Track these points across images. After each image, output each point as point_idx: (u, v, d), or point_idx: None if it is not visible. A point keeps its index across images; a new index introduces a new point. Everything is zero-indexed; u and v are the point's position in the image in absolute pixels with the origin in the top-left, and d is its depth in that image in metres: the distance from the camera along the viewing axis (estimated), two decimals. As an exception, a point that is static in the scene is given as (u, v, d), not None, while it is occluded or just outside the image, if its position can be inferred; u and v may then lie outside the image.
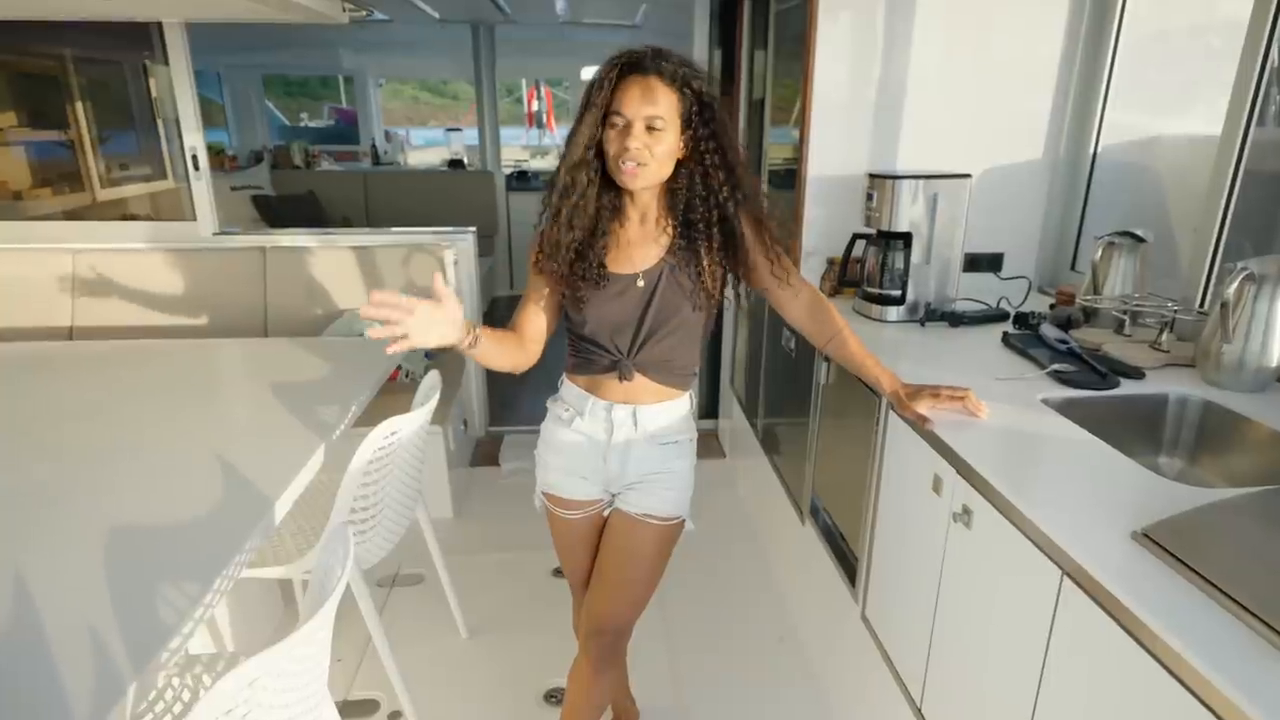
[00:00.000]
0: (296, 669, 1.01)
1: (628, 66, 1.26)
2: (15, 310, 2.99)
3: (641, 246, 1.38)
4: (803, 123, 2.31)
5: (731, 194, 1.32)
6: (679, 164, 1.32)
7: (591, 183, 1.31)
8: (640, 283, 1.36)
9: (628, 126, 1.25)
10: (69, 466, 1.50)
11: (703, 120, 1.29)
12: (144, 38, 2.99)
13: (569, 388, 1.49)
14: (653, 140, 1.26)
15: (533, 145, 9.10)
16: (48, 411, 1.81)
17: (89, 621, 1.02)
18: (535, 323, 1.43)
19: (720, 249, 1.34)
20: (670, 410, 1.46)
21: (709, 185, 1.31)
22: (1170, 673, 0.81)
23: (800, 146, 2.34)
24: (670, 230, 1.36)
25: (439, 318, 1.20)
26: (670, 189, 1.34)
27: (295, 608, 2.32)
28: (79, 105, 3.39)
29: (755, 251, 1.39)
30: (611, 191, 1.35)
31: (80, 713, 0.87)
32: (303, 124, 7.98)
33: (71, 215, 3.39)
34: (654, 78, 1.25)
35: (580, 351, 1.44)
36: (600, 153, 1.30)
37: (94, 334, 2.99)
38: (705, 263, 1.34)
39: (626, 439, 1.44)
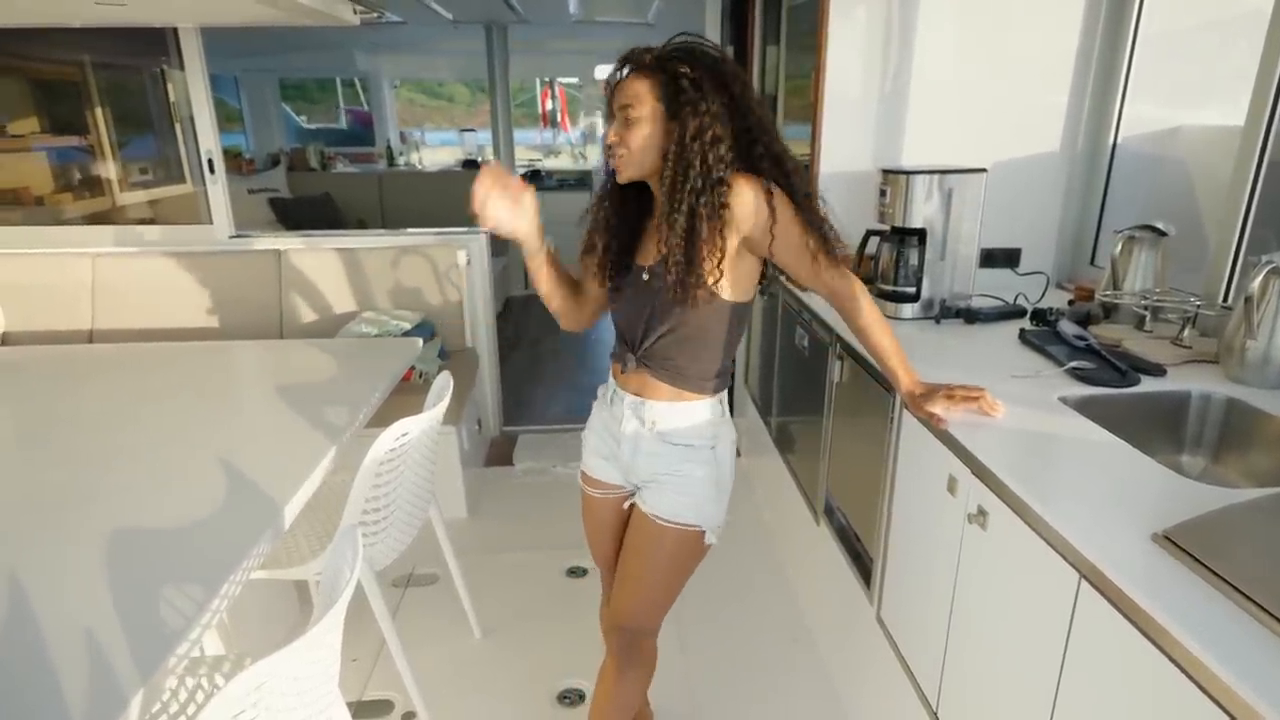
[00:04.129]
0: (306, 671, 1.01)
1: (621, 61, 1.30)
2: (37, 314, 3.04)
3: (652, 240, 1.37)
4: (814, 118, 2.28)
5: (702, 167, 1.23)
6: (681, 149, 1.25)
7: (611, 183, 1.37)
8: (645, 276, 1.37)
9: (611, 119, 1.30)
10: (86, 469, 1.52)
11: (689, 98, 1.23)
12: (161, 43, 3.02)
13: (611, 373, 1.53)
14: (628, 131, 1.27)
15: (545, 145, 9.13)
16: (68, 414, 1.83)
17: (98, 625, 1.03)
18: (592, 288, 1.50)
19: (691, 234, 1.25)
20: (684, 412, 1.42)
21: (667, 169, 1.26)
22: (1191, 678, 0.79)
23: (812, 142, 2.32)
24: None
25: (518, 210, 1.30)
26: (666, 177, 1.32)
27: (310, 608, 2.34)
28: (98, 111, 3.43)
29: (769, 233, 1.28)
30: (640, 187, 1.37)
31: (89, 716, 0.88)
32: (302, 125, 8.06)
33: (91, 220, 3.44)
34: (629, 68, 1.28)
35: (616, 339, 1.50)
36: None
37: (113, 337, 3.03)
38: (703, 253, 1.26)
39: (635, 432, 1.45)
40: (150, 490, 1.43)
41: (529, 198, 1.31)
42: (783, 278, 1.41)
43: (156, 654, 0.98)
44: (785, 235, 1.29)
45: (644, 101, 1.26)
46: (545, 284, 1.47)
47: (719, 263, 1.28)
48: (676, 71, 1.26)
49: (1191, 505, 1.01)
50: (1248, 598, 0.82)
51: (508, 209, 1.30)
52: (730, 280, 1.32)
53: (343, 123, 8.32)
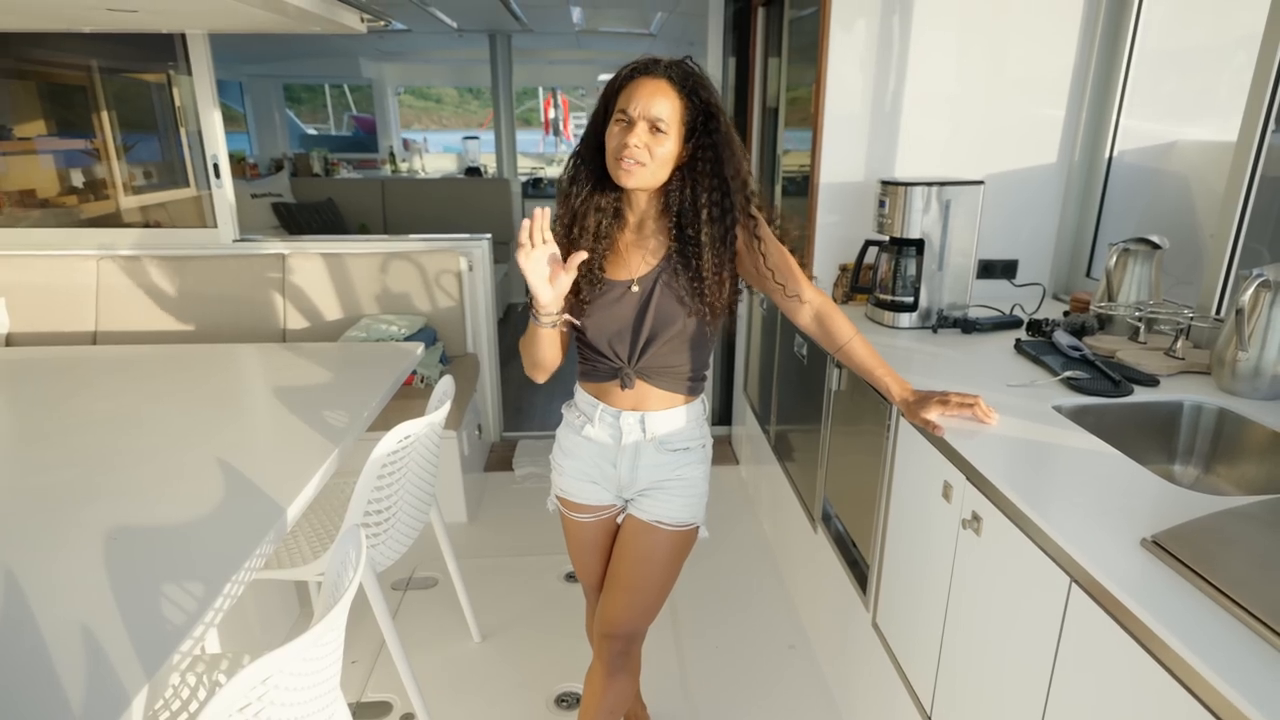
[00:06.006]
0: (309, 669, 1.03)
1: (641, 69, 1.28)
2: (42, 315, 3.06)
3: (637, 252, 1.38)
4: (815, 130, 2.31)
5: (722, 204, 1.32)
6: (678, 170, 1.32)
7: (592, 182, 1.34)
8: (635, 288, 1.37)
9: (631, 124, 1.26)
10: (90, 470, 1.53)
11: (706, 130, 1.29)
12: (168, 48, 3.06)
13: (580, 394, 1.50)
14: (654, 141, 1.26)
15: (548, 153, 9.19)
16: (71, 415, 1.85)
17: (102, 623, 1.04)
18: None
19: (715, 259, 1.33)
20: (679, 416, 1.46)
21: (703, 195, 1.31)
22: (1180, 682, 0.80)
23: (812, 153, 2.35)
24: (665, 237, 1.36)
25: (548, 271, 1.24)
26: (666, 195, 1.34)
27: (309, 609, 2.35)
28: (105, 115, 3.46)
29: (755, 264, 1.38)
30: (611, 194, 1.35)
31: (93, 713, 0.89)
32: (305, 130, 8.09)
33: (96, 222, 3.46)
34: (664, 80, 1.27)
35: (587, 358, 1.45)
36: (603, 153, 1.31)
37: (117, 339, 3.05)
38: (702, 271, 1.33)
39: (635, 445, 1.45)
40: (154, 491, 1.45)
41: (565, 280, 1.25)
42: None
43: (160, 651, 0.99)
44: (772, 255, 1.38)
45: (675, 117, 1.27)
46: (546, 349, 1.35)
47: (732, 276, 1.37)
48: (700, 99, 1.28)
49: (1182, 512, 1.03)
50: (1235, 602, 0.84)
51: (543, 270, 1.24)
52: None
53: (332, 128, 8.35)
